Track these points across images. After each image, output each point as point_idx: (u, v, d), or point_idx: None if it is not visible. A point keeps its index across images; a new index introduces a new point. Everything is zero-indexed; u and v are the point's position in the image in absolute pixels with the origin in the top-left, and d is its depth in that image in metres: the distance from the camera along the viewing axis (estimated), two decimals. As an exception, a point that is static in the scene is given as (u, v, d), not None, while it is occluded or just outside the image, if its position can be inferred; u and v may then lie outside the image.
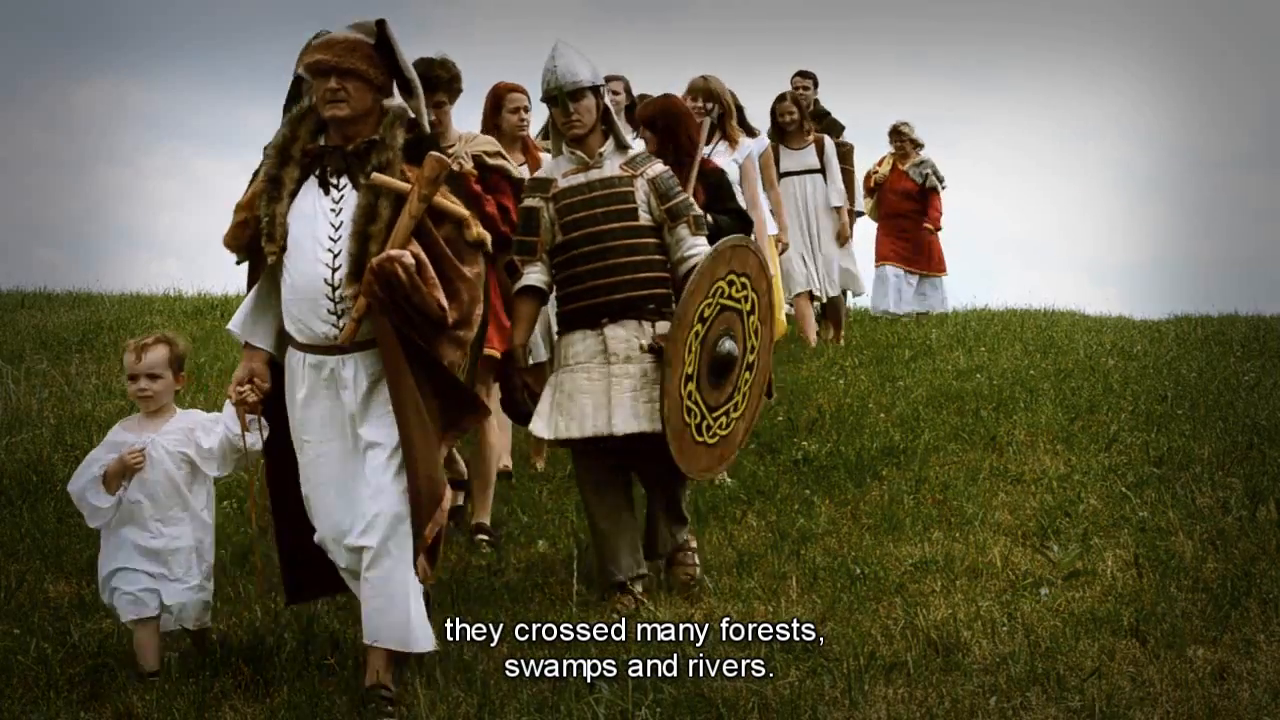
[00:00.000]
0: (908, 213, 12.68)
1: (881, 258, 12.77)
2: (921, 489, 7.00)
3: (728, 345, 5.70)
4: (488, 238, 4.79)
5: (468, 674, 4.80)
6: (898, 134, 12.89)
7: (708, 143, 7.56)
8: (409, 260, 4.54)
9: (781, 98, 10.87)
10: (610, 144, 5.84)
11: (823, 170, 10.85)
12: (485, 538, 6.54)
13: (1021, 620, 5.13)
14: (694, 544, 5.97)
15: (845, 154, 11.55)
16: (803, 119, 10.81)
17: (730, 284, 5.69)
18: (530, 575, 6.03)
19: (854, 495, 7.03)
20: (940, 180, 12.72)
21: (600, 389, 5.65)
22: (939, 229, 12.78)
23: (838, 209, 10.91)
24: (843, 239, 11.02)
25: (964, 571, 5.79)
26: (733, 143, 8.14)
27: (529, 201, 5.84)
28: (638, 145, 6.24)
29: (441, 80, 6.49)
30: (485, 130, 7.05)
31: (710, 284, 5.60)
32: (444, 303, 4.60)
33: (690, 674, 4.65)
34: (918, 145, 12.85)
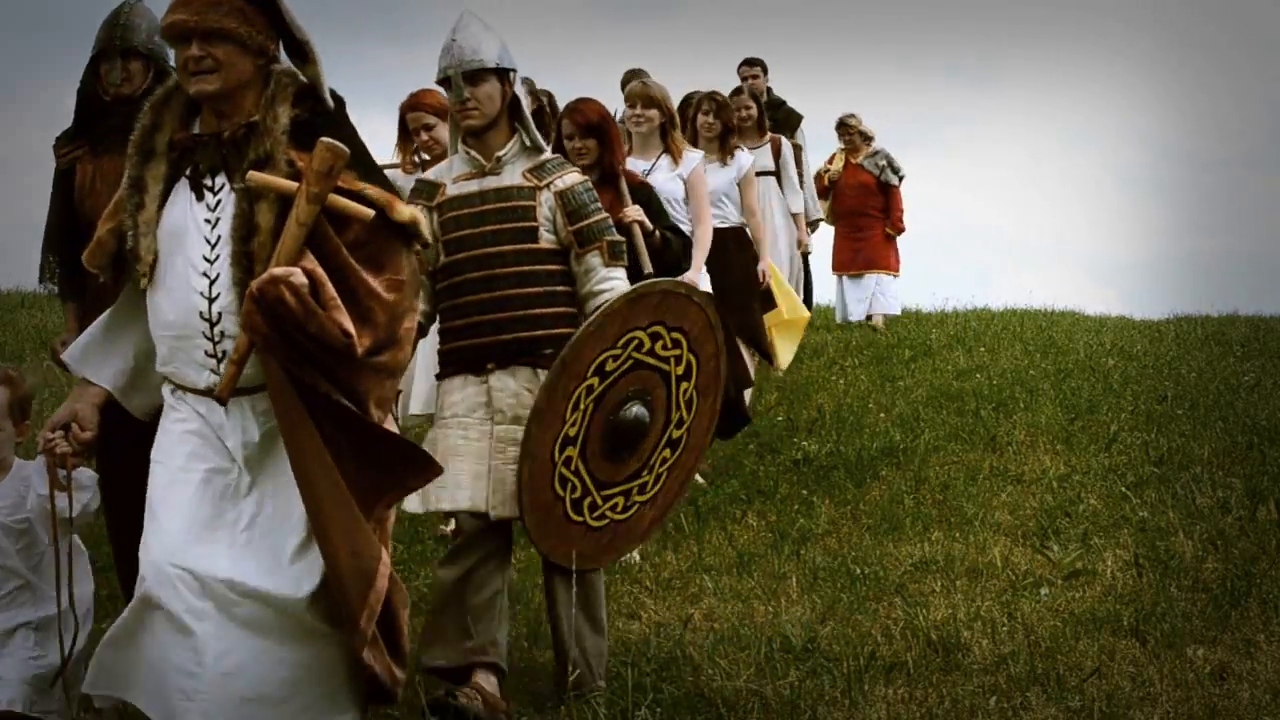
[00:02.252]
0: (867, 210, 11.91)
1: (838, 266, 12.06)
2: (921, 489, 7.00)
3: (635, 411, 4.55)
4: (419, 217, 3.77)
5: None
6: (845, 127, 12.07)
7: (648, 154, 7.01)
8: (299, 280, 3.49)
9: (737, 91, 9.73)
10: (515, 145, 4.68)
11: (778, 173, 9.71)
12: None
13: (1021, 620, 5.13)
14: (600, 682, 4.64)
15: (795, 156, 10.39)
16: (761, 116, 9.64)
17: (655, 338, 4.56)
18: (530, 575, 6.03)
19: (854, 495, 7.03)
20: (897, 173, 11.96)
21: (479, 452, 4.53)
22: (902, 230, 12.08)
23: (795, 215, 9.83)
24: (801, 246, 9.94)
25: (964, 571, 5.79)
26: (676, 155, 7.13)
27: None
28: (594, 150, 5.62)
29: None
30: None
31: (621, 330, 4.47)
32: (348, 328, 3.54)
33: (690, 674, 4.66)
34: (867, 138, 12.04)
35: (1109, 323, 12.67)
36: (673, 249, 5.88)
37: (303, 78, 3.72)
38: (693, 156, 7.19)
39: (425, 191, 4.71)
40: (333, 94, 3.80)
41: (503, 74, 4.64)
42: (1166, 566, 5.64)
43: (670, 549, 6.36)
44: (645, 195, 6.00)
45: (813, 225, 10.52)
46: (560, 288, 4.61)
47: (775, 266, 9.48)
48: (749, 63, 10.84)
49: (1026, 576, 5.67)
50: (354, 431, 3.62)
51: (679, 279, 4.99)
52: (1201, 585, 5.43)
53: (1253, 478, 6.72)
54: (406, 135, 6.67)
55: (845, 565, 5.92)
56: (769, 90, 10.82)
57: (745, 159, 8.31)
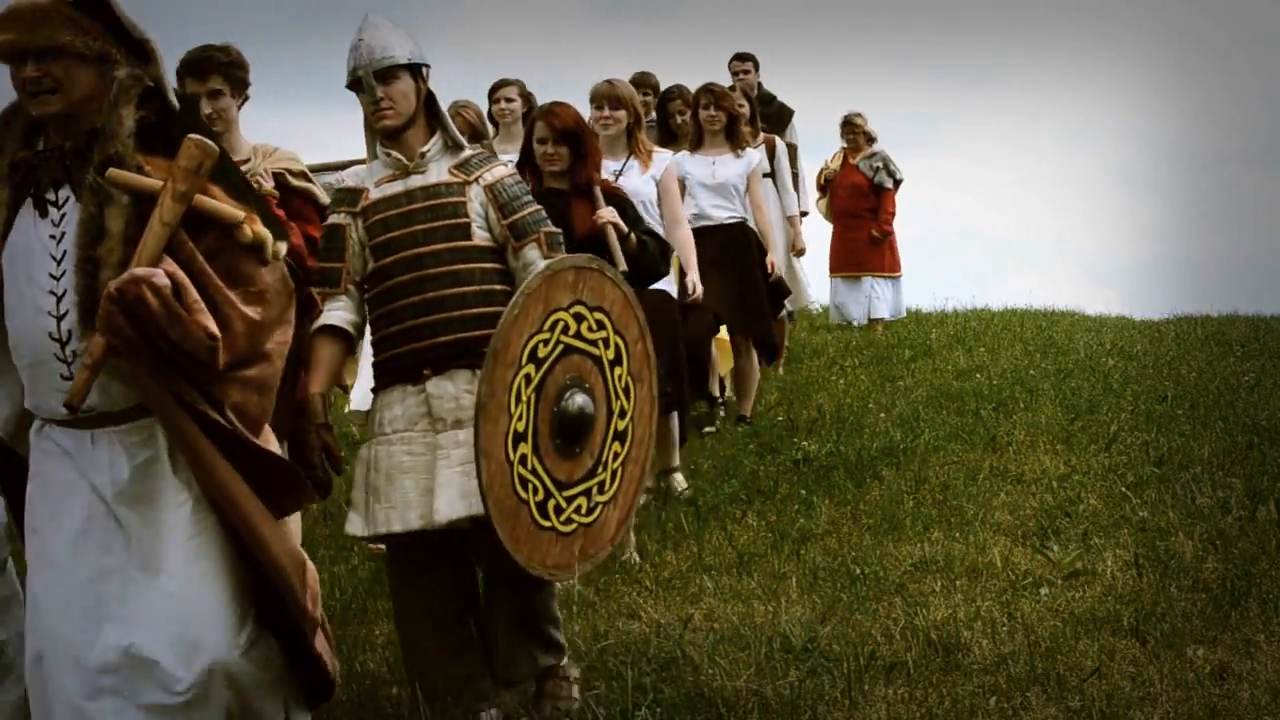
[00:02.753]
0: (859, 211, 11.77)
1: (834, 268, 11.91)
2: (921, 489, 7.00)
3: (578, 400, 4.26)
4: (268, 237, 3.50)
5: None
6: (850, 126, 11.87)
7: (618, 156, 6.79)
8: (162, 281, 3.28)
9: (732, 88, 9.35)
10: (437, 142, 4.50)
11: (773, 174, 9.55)
12: None
13: (1021, 620, 5.12)
14: (574, 672, 4.62)
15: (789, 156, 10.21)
16: (754, 116, 9.39)
17: (579, 319, 4.27)
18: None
19: (854, 495, 7.03)
20: (892, 176, 11.76)
21: (424, 465, 4.31)
22: (887, 232, 11.86)
23: (791, 218, 9.69)
24: (798, 251, 9.86)
25: (964, 571, 5.78)
26: (645, 158, 6.84)
27: (333, 218, 4.53)
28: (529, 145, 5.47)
29: (217, 63, 5.24)
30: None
31: (545, 312, 4.19)
32: (214, 331, 3.33)
33: (690, 674, 4.66)
34: (871, 139, 11.87)
35: (1109, 323, 12.68)
36: (650, 253, 5.70)
37: (147, 80, 3.48)
38: (663, 157, 6.97)
39: (347, 199, 4.51)
40: (179, 95, 3.61)
41: (415, 70, 4.46)
42: (1166, 566, 5.64)
43: (670, 549, 6.36)
44: (619, 203, 5.81)
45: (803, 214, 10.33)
46: (497, 285, 4.40)
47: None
48: (740, 57, 10.60)
49: (1026, 576, 5.67)
50: (228, 445, 3.43)
51: (592, 255, 4.57)
52: (1201, 585, 5.42)
53: (1253, 478, 6.72)
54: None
55: (845, 565, 5.91)
56: (759, 85, 10.61)
57: (755, 154, 8.32)
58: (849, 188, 11.78)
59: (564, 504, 4.26)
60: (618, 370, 4.40)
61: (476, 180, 4.45)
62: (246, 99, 5.33)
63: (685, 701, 4.46)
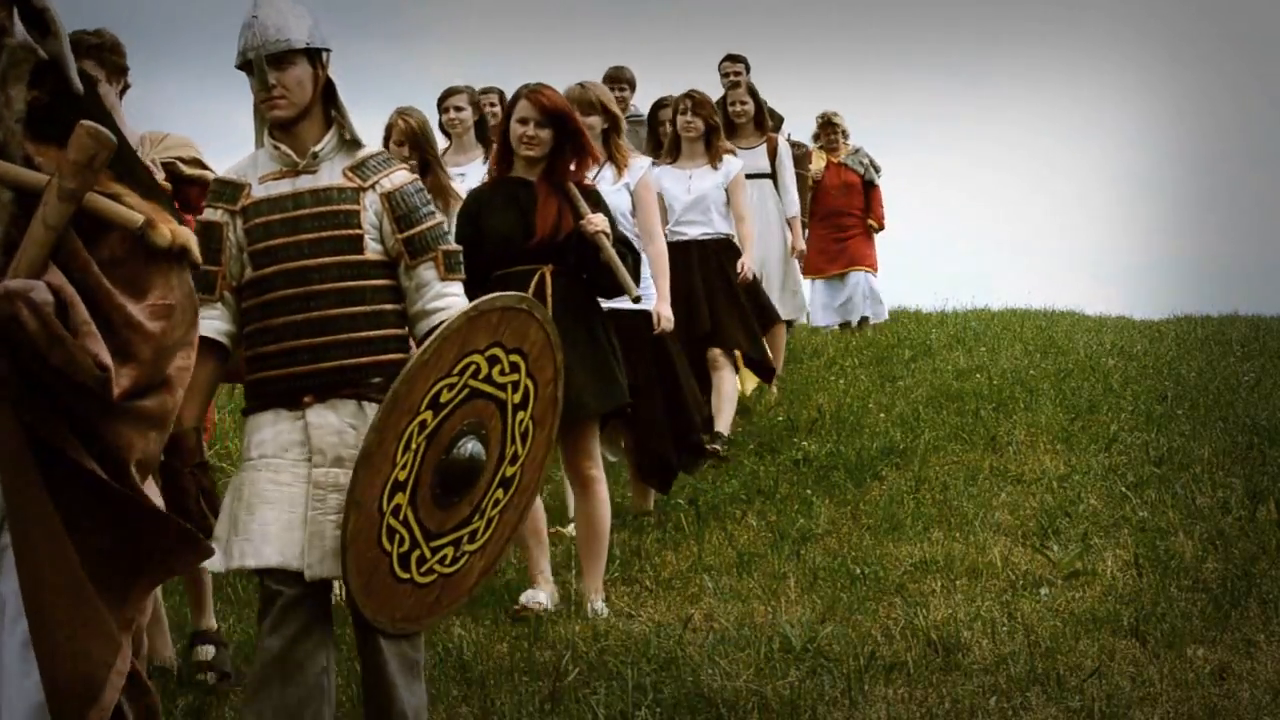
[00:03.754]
0: (850, 209, 11.44)
1: (811, 270, 11.36)
2: (921, 489, 7.00)
3: (470, 448, 3.85)
4: (190, 240, 3.00)
5: (466, 673, 4.81)
6: (830, 125, 11.52)
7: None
8: (42, 297, 2.75)
9: (735, 85, 9.15)
10: (333, 138, 3.99)
11: (774, 175, 9.05)
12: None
13: (1021, 620, 5.12)
14: None
15: (799, 158, 10.05)
16: (760, 113, 9.02)
17: (492, 362, 3.87)
18: (521, 573, 6.02)
19: (854, 495, 7.03)
20: (878, 171, 11.50)
21: (292, 499, 3.84)
22: (884, 226, 11.64)
23: (790, 220, 9.17)
24: (795, 252, 9.34)
25: (964, 571, 5.78)
26: (620, 163, 6.33)
27: (209, 213, 4.01)
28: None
29: (87, 46, 4.76)
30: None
31: (459, 355, 3.78)
32: (104, 360, 2.80)
33: (690, 674, 4.66)
34: (846, 136, 11.54)
35: (1109, 323, 12.67)
36: (626, 266, 5.44)
37: (42, 53, 2.96)
38: (640, 164, 6.48)
39: (226, 194, 4.01)
40: (82, 75, 3.11)
41: (314, 55, 3.96)
42: (1166, 566, 5.64)
43: (670, 549, 6.36)
44: (595, 198, 5.48)
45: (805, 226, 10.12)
46: (389, 306, 3.95)
47: (770, 274, 8.96)
48: (732, 59, 10.11)
49: (1026, 576, 5.67)
50: (109, 501, 2.89)
51: (525, 296, 4.18)
52: (1201, 585, 5.42)
53: (1253, 478, 6.72)
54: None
55: (845, 565, 5.91)
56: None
57: (734, 163, 7.89)
58: (840, 187, 11.45)
59: (428, 554, 3.86)
60: (520, 414, 3.98)
61: (373, 186, 3.95)
62: (127, 86, 4.92)
63: (685, 701, 4.46)
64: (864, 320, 11.67)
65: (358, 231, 3.92)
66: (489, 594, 5.73)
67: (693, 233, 7.85)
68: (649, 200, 6.47)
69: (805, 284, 11.35)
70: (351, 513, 3.67)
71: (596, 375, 5.52)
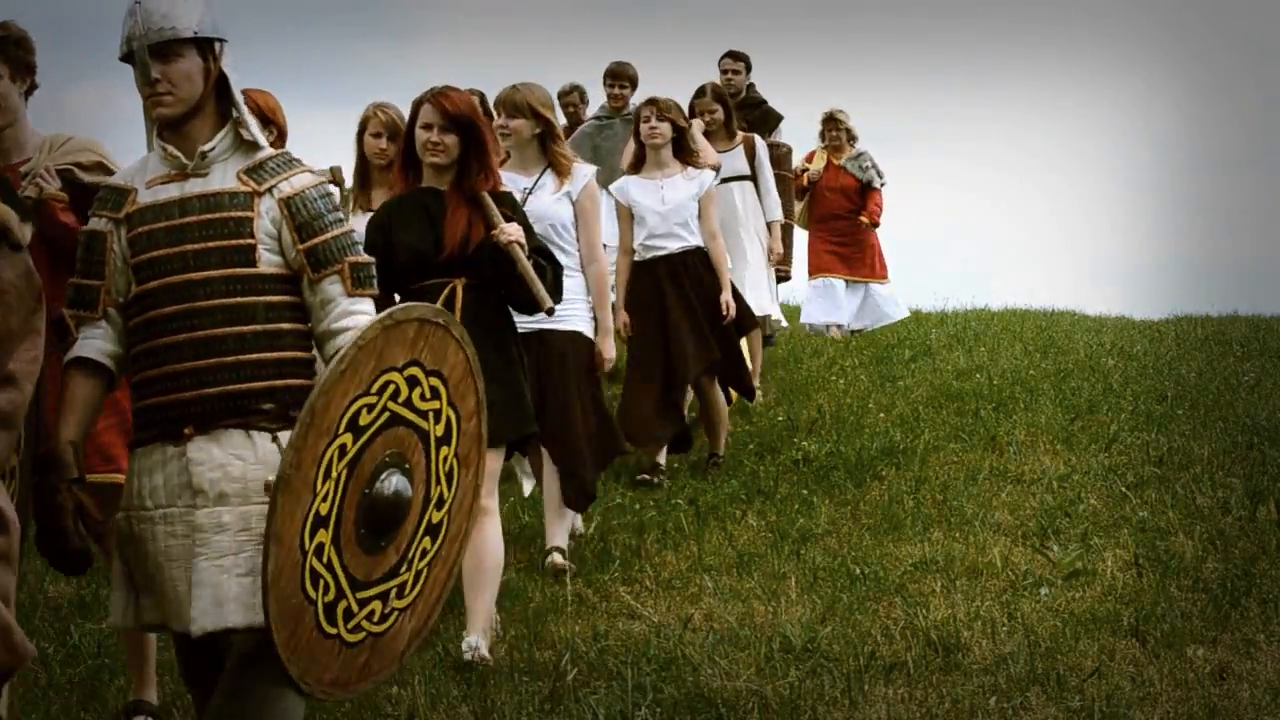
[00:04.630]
0: (846, 213, 11.15)
1: (820, 269, 11.20)
2: (921, 489, 7.00)
3: (394, 483, 3.43)
4: (11, 217, 2.82)
5: (466, 673, 4.81)
6: (834, 122, 11.19)
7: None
8: None
9: (700, 92, 8.72)
10: (226, 138, 3.61)
11: (753, 176, 8.78)
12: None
13: (1021, 620, 5.12)
14: None
15: (780, 158, 9.63)
16: (729, 116, 8.71)
17: (411, 384, 3.45)
18: (530, 574, 6.03)
19: (854, 495, 7.03)
20: (880, 176, 11.19)
21: (187, 552, 3.44)
22: (878, 224, 11.30)
23: (770, 224, 8.88)
24: (775, 256, 8.97)
25: (964, 571, 5.78)
26: (561, 171, 5.89)
27: (93, 222, 3.64)
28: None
29: None
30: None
31: (376, 371, 3.38)
32: None
33: (690, 674, 4.66)
34: (853, 137, 11.24)
35: (1109, 323, 12.67)
36: (545, 278, 4.99)
37: None
38: (583, 171, 5.98)
39: (110, 201, 3.62)
40: None
41: (206, 46, 3.58)
42: (1166, 566, 5.64)
43: (670, 549, 6.36)
44: (511, 204, 5.15)
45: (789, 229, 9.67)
46: (288, 325, 3.56)
47: (745, 282, 8.50)
48: (732, 56, 9.87)
49: (1026, 576, 5.67)
50: None
51: (440, 308, 3.71)
52: (1201, 585, 5.42)
53: (1253, 478, 6.72)
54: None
55: (845, 565, 5.91)
56: (750, 87, 9.97)
57: (708, 176, 7.42)
58: (837, 190, 11.16)
59: (356, 607, 3.44)
60: (444, 450, 3.56)
61: (270, 191, 3.56)
62: (34, 86, 4.54)
63: (685, 701, 4.46)
64: (857, 331, 11.35)
65: (249, 241, 3.52)
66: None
67: (671, 246, 7.36)
68: (592, 213, 5.96)
69: (804, 286, 11.30)
70: (271, 547, 3.23)
71: (507, 399, 4.99)
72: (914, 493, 6.95)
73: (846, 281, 11.27)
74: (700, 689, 4.53)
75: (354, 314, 3.56)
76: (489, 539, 5.03)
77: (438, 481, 3.55)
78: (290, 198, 3.55)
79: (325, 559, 3.34)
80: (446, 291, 4.97)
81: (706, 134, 8.50)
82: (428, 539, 3.56)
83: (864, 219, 11.17)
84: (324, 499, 3.31)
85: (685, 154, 7.35)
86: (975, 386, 8.99)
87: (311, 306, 3.58)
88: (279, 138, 5.26)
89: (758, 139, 8.95)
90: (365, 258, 3.64)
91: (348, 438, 3.33)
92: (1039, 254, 26.03)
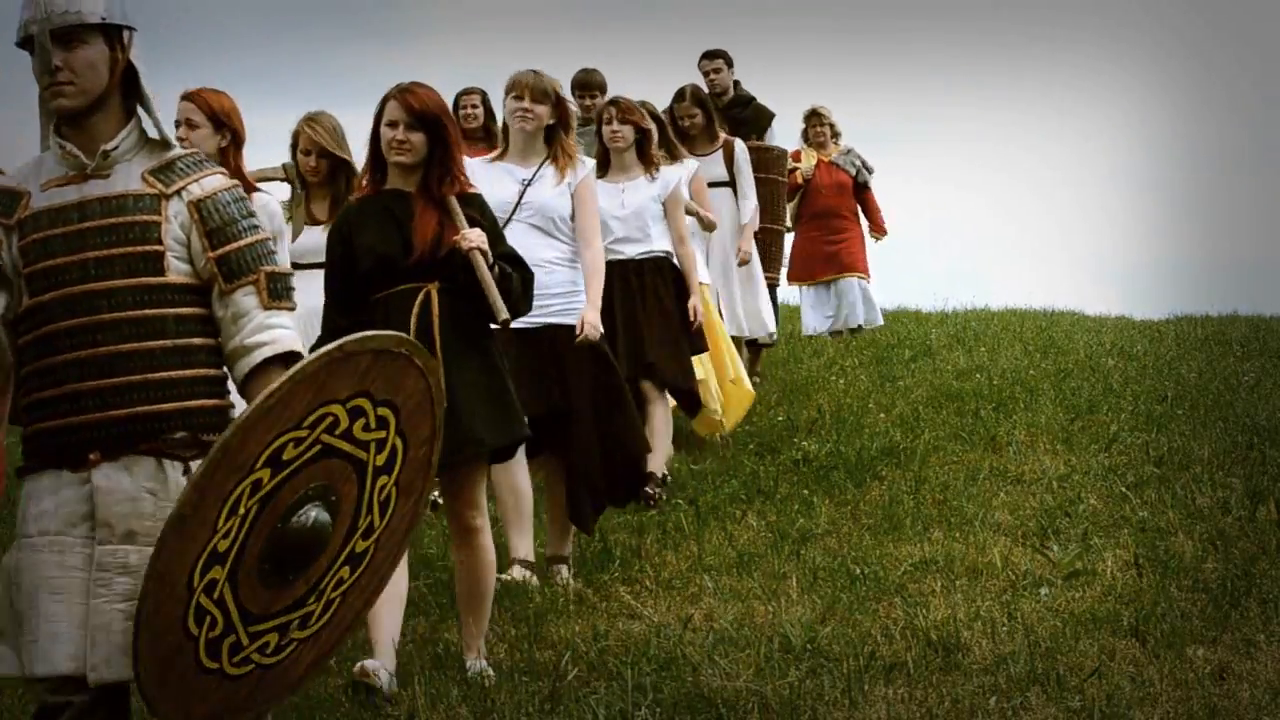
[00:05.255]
0: (842, 211, 10.94)
1: (811, 275, 10.99)
2: (921, 489, 7.00)
3: (313, 516, 3.19)
4: None
5: (466, 673, 4.81)
6: (816, 117, 10.99)
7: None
8: None
9: (680, 96, 8.57)
10: (131, 135, 3.31)
11: (732, 181, 8.59)
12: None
13: (1021, 620, 5.12)
14: None
15: (771, 161, 9.39)
16: (710, 120, 8.56)
17: (355, 415, 3.20)
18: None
19: (854, 495, 7.03)
20: (870, 172, 11.03)
21: (80, 586, 3.16)
22: (885, 233, 11.17)
23: (744, 226, 8.65)
24: (741, 255, 8.67)
25: (964, 571, 5.78)
26: (563, 164, 5.87)
27: None
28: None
29: None
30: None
31: (313, 404, 3.12)
32: None
33: (690, 674, 4.66)
34: (837, 133, 11.06)
35: (1109, 323, 12.68)
36: (512, 286, 4.75)
37: None
38: (585, 164, 5.95)
39: (2, 204, 3.29)
40: None
41: (114, 34, 3.29)
42: (1166, 566, 5.63)
43: (670, 549, 6.36)
44: (479, 206, 4.87)
45: (780, 233, 9.63)
46: (199, 340, 3.28)
47: (728, 288, 8.50)
48: (710, 55, 9.54)
49: (1026, 576, 5.67)
50: None
51: (406, 338, 3.41)
52: (1201, 585, 5.42)
53: (1253, 478, 6.72)
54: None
55: (845, 565, 5.91)
56: (736, 84, 9.67)
57: (672, 174, 7.23)
58: (832, 187, 10.94)
59: (246, 641, 3.19)
60: (382, 480, 3.32)
61: (179, 193, 3.27)
62: None
63: (685, 701, 4.45)
64: (858, 328, 11.21)
65: (157, 248, 3.23)
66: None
67: (630, 251, 7.15)
68: (589, 202, 5.90)
69: (795, 292, 11.27)
70: (151, 588, 2.98)
71: (491, 404, 4.80)
72: (914, 493, 6.95)
73: (833, 281, 11.06)
74: (700, 689, 4.53)
75: (270, 328, 3.29)
76: (482, 559, 4.92)
77: (368, 511, 3.31)
78: (201, 200, 3.27)
79: (217, 595, 3.10)
80: (421, 297, 4.72)
81: (688, 138, 8.36)
82: (346, 568, 3.32)
83: (874, 234, 11.04)
84: (225, 535, 3.07)
85: (646, 157, 7.13)
86: (975, 386, 8.99)
87: (222, 320, 3.29)
88: (234, 143, 5.15)
89: (738, 143, 8.74)
90: (283, 268, 3.41)
91: (265, 473, 3.08)
92: (1039, 254, 26.05)
